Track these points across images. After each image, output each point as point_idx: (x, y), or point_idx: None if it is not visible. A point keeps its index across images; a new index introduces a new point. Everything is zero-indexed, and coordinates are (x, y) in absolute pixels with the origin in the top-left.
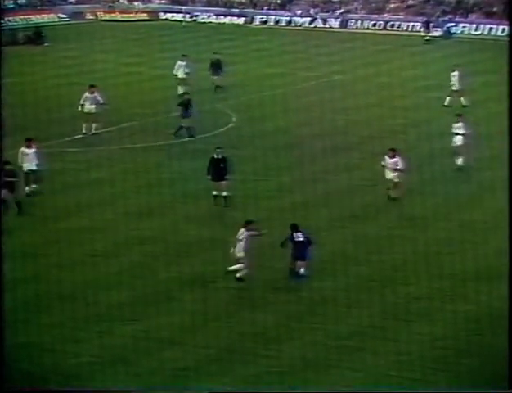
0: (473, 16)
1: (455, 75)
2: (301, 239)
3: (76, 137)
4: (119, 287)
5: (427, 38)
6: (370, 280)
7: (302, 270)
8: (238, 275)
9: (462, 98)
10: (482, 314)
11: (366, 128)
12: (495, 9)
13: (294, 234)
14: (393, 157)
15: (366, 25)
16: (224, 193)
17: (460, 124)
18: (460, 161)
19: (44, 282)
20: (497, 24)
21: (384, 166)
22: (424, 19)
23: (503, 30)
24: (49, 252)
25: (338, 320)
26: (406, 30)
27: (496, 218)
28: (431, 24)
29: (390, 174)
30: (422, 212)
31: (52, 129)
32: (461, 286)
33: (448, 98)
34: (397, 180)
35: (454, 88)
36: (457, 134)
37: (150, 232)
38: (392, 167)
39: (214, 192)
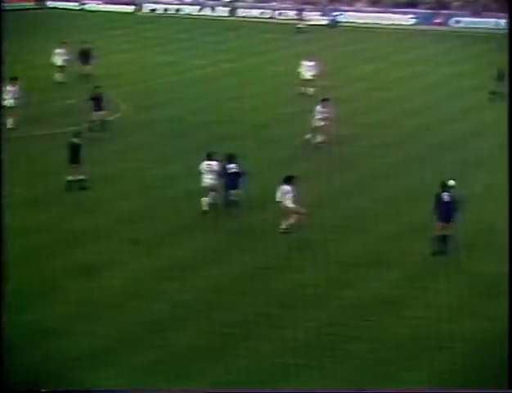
0: (358, 5)
1: (306, 65)
2: (233, 170)
3: None
4: (3, 278)
5: (299, 26)
6: (255, 268)
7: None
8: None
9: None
10: (369, 300)
11: (256, 117)
12: None
13: (227, 166)
14: None
15: (254, 14)
16: (80, 177)
17: (322, 108)
18: (318, 139)
19: None
20: (383, 13)
21: None
22: (301, 7)
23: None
24: None
25: (224, 308)
26: (294, 18)
27: (384, 204)
28: (303, 13)
29: None
30: (307, 200)
31: None
32: (348, 272)
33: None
34: None
35: (306, 77)
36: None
37: (34, 222)
38: None
39: (69, 177)
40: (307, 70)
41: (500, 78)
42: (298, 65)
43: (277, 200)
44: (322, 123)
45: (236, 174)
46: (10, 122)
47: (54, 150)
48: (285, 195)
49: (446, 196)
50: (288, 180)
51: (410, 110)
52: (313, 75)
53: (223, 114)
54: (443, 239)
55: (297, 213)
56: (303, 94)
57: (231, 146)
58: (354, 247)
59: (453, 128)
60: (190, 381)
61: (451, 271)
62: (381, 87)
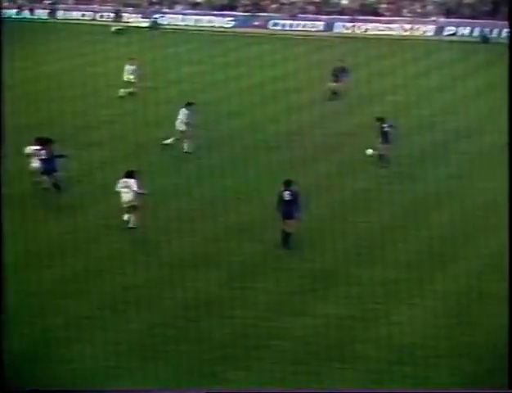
0: (178, 8)
1: (129, 68)
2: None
3: None
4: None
5: (118, 27)
6: (85, 270)
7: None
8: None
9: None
10: (196, 301)
11: (76, 120)
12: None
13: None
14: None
15: (75, 16)
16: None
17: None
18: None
19: None
20: (203, 15)
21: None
22: (119, 8)
23: (209, 21)
24: None
25: (47, 312)
26: (114, 20)
27: (210, 205)
28: (121, 13)
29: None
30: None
31: None
32: (176, 273)
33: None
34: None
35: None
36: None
37: None
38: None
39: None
40: (129, 72)
41: (336, 75)
42: (117, 66)
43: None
44: (185, 127)
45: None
46: None
47: None
48: (126, 188)
49: (287, 195)
50: (129, 174)
51: (232, 111)
52: (134, 78)
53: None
54: (285, 236)
55: (138, 208)
56: (123, 97)
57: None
58: (182, 248)
59: (277, 128)
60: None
61: (281, 269)
62: (201, 89)
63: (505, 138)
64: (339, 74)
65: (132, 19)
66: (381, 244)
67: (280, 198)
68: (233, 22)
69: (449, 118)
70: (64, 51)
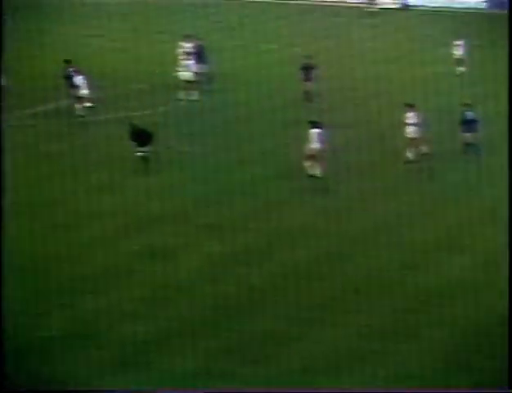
0: None
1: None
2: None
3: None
4: (80, 260)
5: (369, 9)
6: (328, 253)
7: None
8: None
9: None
10: None
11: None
12: None
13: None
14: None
15: None
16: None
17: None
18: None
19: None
20: None
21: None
22: None
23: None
24: (8, 225)
25: (299, 293)
26: (364, 2)
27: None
28: None
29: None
30: None
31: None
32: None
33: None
34: None
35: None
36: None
37: (110, 206)
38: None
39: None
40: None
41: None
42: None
43: None
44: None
45: None
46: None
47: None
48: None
49: None
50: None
51: None
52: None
53: (291, 98)
54: None
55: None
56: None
57: (299, 130)
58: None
59: None
60: (264, 367)
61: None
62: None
63: None
64: None
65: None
66: None
67: None
68: None
69: None
70: (316, 33)
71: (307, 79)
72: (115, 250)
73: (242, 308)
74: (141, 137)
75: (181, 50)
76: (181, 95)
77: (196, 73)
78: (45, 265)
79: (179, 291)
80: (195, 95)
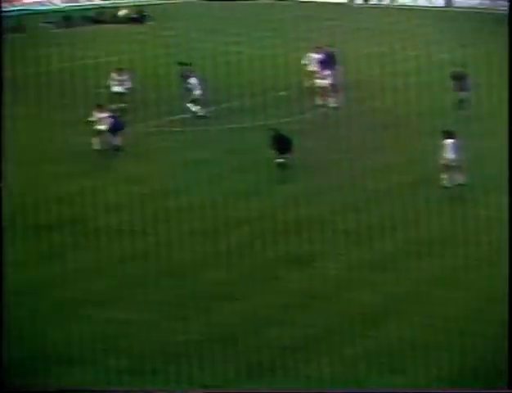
0: None
1: None
2: None
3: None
4: (224, 266)
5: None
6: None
7: None
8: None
9: None
10: None
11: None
12: None
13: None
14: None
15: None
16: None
17: None
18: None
19: (147, 260)
20: None
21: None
22: None
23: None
24: (149, 231)
25: (438, 302)
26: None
27: None
28: None
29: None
30: None
31: (153, 109)
32: None
33: None
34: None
35: None
36: None
37: (256, 212)
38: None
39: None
40: None
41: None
42: None
43: None
44: None
45: None
46: None
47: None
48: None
49: None
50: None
51: None
52: None
53: (435, 106)
54: None
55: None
56: None
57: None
58: None
59: None
60: (402, 375)
61: None
62: None
63: None
64: None
65: None
66: None
67: None
68: None
69: None
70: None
71: (461, 88)
72: (253, 257)
73: (379, 315)
74: (282, 143)
75: (315, 57)
76: (319, 102)
77: (331, 81)
78: (183, 271)
79: (316, 297)
80: (333, 102)
